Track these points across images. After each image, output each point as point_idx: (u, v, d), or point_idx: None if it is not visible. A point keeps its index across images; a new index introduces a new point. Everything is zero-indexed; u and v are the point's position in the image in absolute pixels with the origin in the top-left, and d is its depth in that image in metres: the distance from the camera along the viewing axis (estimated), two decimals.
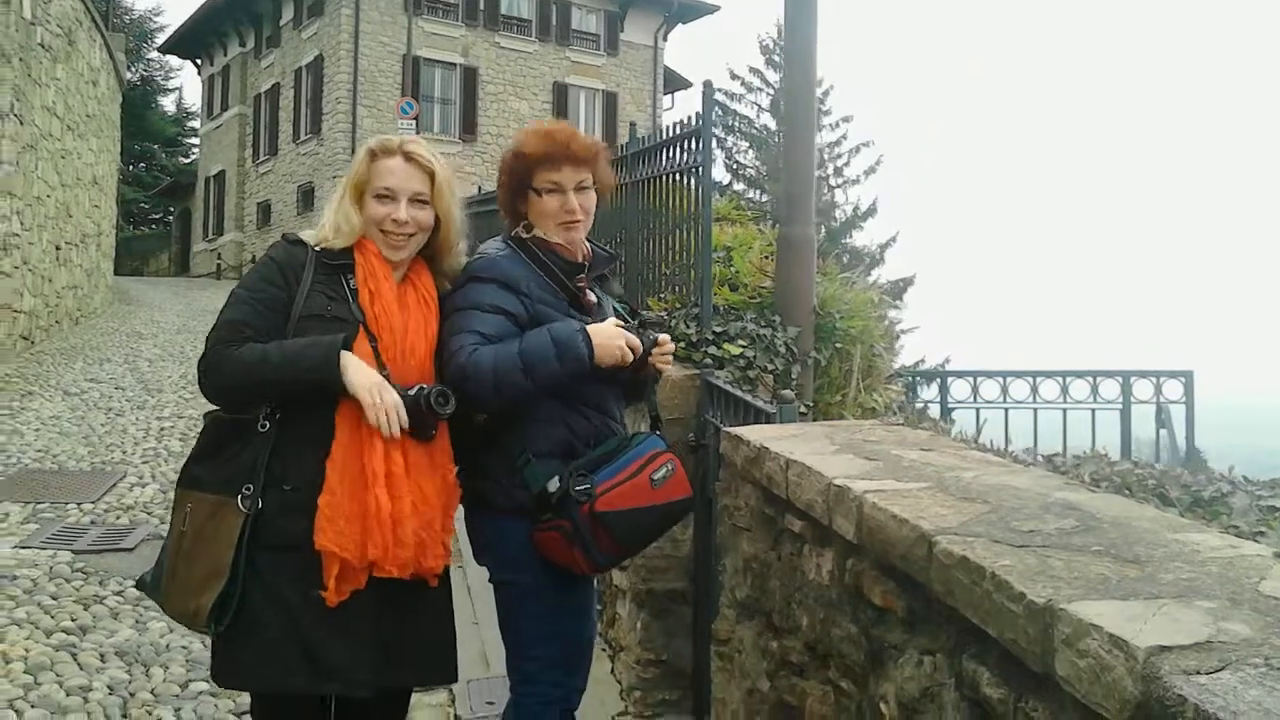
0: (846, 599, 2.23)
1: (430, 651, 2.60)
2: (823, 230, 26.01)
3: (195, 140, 40.68)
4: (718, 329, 4.45)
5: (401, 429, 2.45)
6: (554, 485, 2.68)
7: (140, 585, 2.66)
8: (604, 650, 4.59)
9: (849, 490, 2.18)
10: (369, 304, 2.56)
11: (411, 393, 2.49)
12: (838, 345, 4.76)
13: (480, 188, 20.22)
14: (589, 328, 2.71)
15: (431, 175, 2.66)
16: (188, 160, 41.69)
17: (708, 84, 4.54)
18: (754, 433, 2.95)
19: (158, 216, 44.06)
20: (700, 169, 4.50)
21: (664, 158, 5.01)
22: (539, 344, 2.67)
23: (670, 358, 2.96)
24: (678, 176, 4.83)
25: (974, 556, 1.67)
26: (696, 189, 4.56)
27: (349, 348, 2.47)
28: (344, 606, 2.42)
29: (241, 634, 2.41)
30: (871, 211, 27.10)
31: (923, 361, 23.97)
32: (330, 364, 2.43)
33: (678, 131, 4.85)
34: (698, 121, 4.55)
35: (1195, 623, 1.35)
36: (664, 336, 2.87)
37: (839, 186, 27.60)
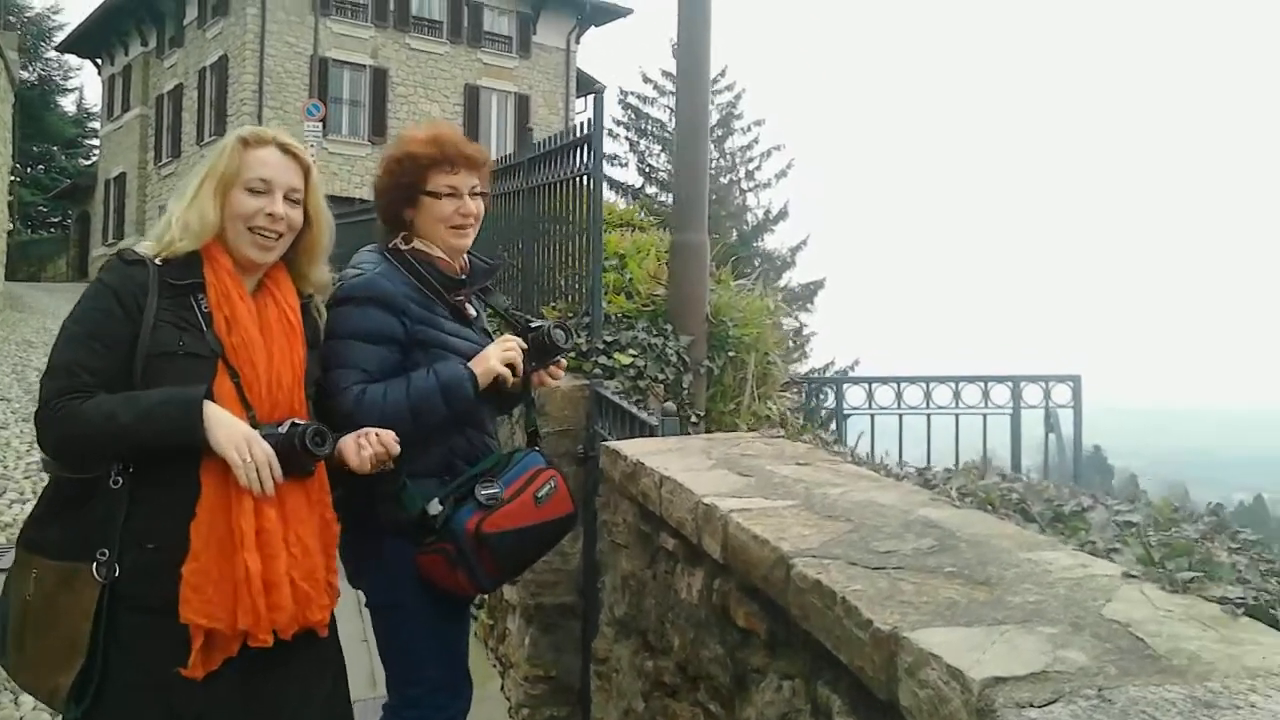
0: (714, 620, 2.19)
1: (323, 706, 2.39)
2: (734, 234, 26.13)
3: (96, 142, 39.52)
4: (608, 338, 4.40)
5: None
6: (435, 508, 2.60)
7: None
8: (493, 666, 4.51)
9: (716, 509, 2.14)
10: (225, 332, 2.26)
11: (282, 431, 2.23)
12: (730, 354, 4.73)
13: None
14: (473, 364, 2.66)
15: (306, 171, 2.43)
16: (88, 162, 40.47)
17: (598, 92, 4.50)
18: (632, 447, 2.90)
19: (56, 220, 42.67)
20: (590, 177, 4.45)
21: (557, 165, 4.95)
22: (426, 391, 2.61)
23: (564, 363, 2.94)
24: (575, 182, 4.78)
25: (827, 581, 1.64)
26: (586, 197, 4.51)
27: (210, 392, 2.20)
28: (216, 675, 2.17)
29: (107, 709, 2.14)
30: (783, 215, 27.21)
31: (832, 363, 24.36)
32: (190, 424, 2.14)
33: (570, 138, 4.79)
34: (588, 129, 4.50)
35: (1034, 651, 1.32)
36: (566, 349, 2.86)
37: (750, 190, 27.66)
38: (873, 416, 6.28)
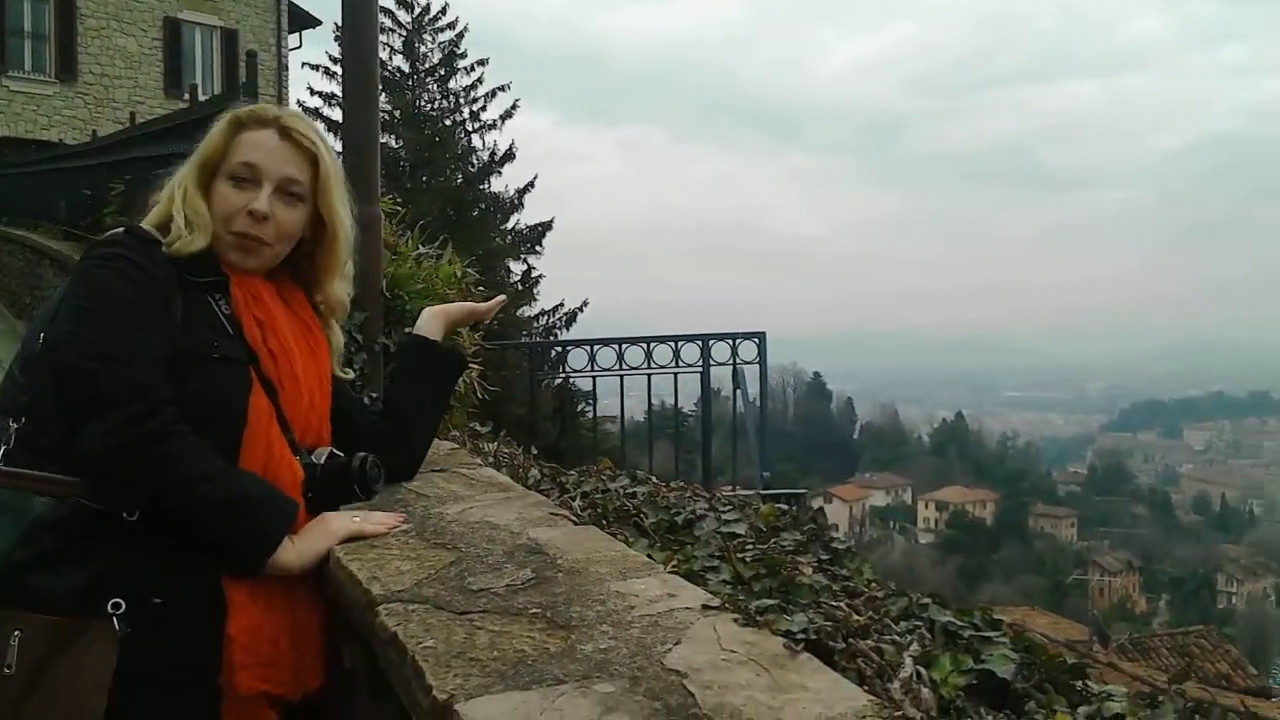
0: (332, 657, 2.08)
1: None
2: (459, 177, 25.61)
3: None
4: None
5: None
6: None
7: None
8: None
9: None
10: (260, 339, 1.92)
11: (344, 460, 2.02)
12: (408, 330, 4.54)
13: (95, 132, 18.18)
14: None
15: (315, 162, 1.99)
16: None
17: (251, 55, 4.16)
18: None
19: None
20: None
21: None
22: None
23: None
24: None
25: (404, 635, 1.55)
26: None
27: (245, 400, 1.86)
28: None
29: None
30: (509, 156, 26.81)
31: (561, 305, 24.47)
32: (269, 542, 1.83)
33: (219, 106, 4.45)
34: (243, 94, 4.18)
35: (582, 719, 1.27)
36: None
37: (475, 131, 27.08)
38: (567, 378, 6.29)
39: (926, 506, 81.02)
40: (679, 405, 6.29)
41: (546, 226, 25.56)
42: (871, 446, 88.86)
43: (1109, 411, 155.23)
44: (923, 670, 1.41)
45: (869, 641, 1.47)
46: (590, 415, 9.52)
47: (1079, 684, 1.44)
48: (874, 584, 1.80)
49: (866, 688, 1.36)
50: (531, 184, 25.84)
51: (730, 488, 6.11)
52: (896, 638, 1.50)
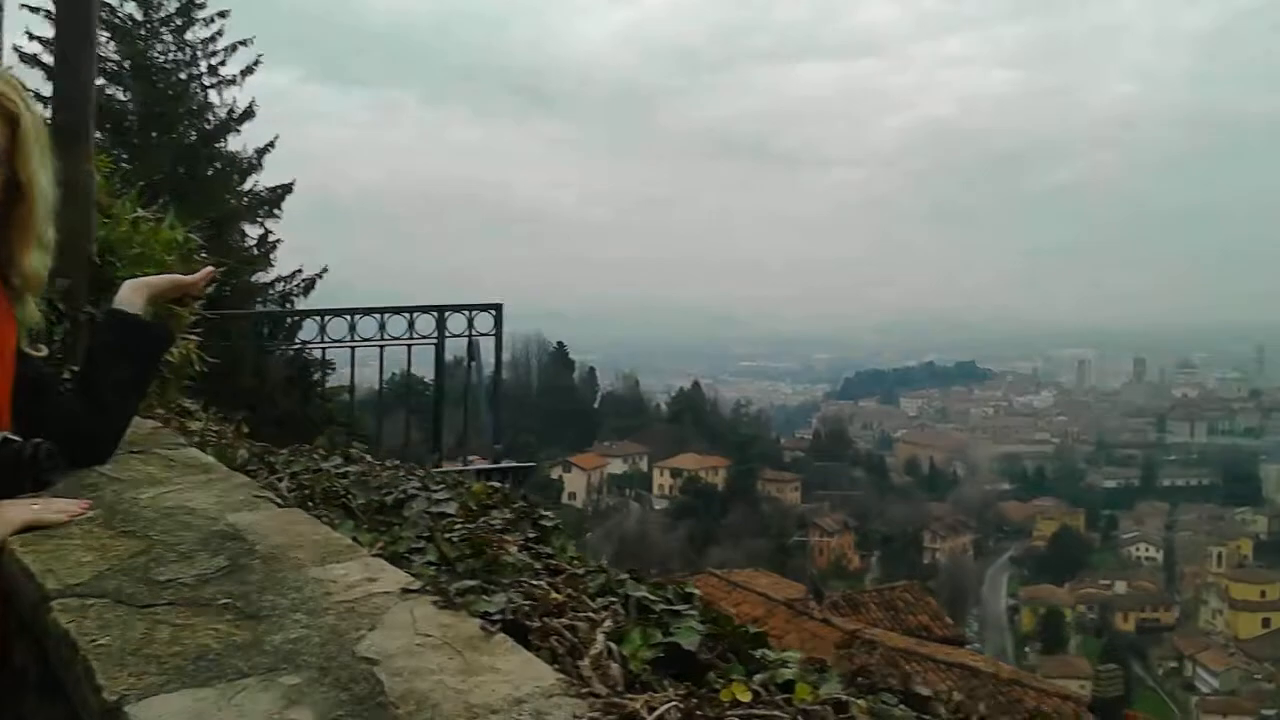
0: None
1: None
2: (193, 134, 24.10)
3: None
4: None
5: None
6: None
7: None
8: None
9: None
10: None
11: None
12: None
13: None
14: None
15: (14, 122, 1.85)
16: None
17: None
18: None
19: None
20: None
21: None
22: None
23: None
24: None
25: (76, 632, 1.46)
26: None
27: None
28: None
29: None
30: (249, 114, 25.36)
31: (299, 272, 23.53)
32: None
33: None
34: None
35: (261, 714, 1.24)
36: None
37: (213, 87, 25.44)
38: (301, 349, 6.09)
39: (662, 474, 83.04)
40: (411, 377, 6.19)
41: (286, 189, 24.33)
42: (612, 415, 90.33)
43: (834, 381, 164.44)
44: (614, 646, 1.45)
45: (564, 619, 1.50)
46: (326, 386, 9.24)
47: (759, 652, 1.52)
48: (576, 561, 1.84)
49: (558, 666, 1.39)
50: (272, 144, 24.51)
51: (462, 460, 6.09)
52: (592, 614, 1.54)
